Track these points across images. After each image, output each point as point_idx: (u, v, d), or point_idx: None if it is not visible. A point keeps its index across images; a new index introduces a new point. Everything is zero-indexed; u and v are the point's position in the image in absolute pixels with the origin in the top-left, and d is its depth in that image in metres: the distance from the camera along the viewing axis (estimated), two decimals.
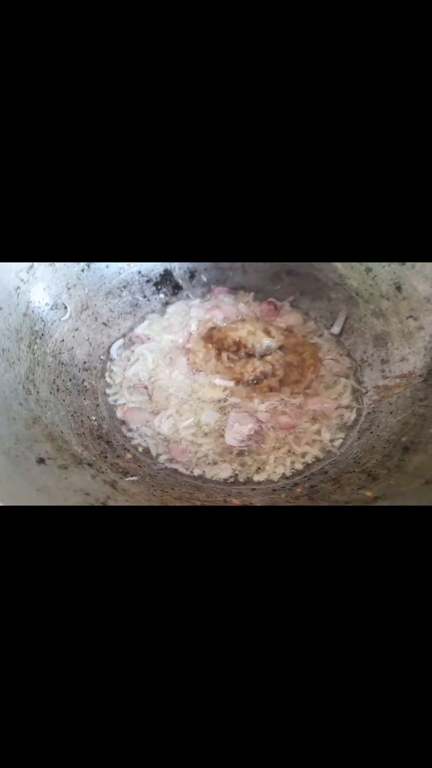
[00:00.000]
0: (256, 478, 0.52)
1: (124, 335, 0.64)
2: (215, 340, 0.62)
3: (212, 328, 0.65)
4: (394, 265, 0.63)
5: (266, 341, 0.62)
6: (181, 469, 0.51)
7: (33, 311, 0.55)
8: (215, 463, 0.52)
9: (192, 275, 0.71)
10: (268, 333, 0.62)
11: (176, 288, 0.70)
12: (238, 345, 0.61)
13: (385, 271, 0.64)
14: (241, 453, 0.53)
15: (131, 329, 0.65)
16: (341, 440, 0.54)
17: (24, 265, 0.55)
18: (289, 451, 0.53)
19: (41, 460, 0.43)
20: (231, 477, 0.51)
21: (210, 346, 0.62)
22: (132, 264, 0.66)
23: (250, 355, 0.61)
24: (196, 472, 0.51)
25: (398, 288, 0.62)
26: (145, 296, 0.67)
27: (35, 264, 0.56)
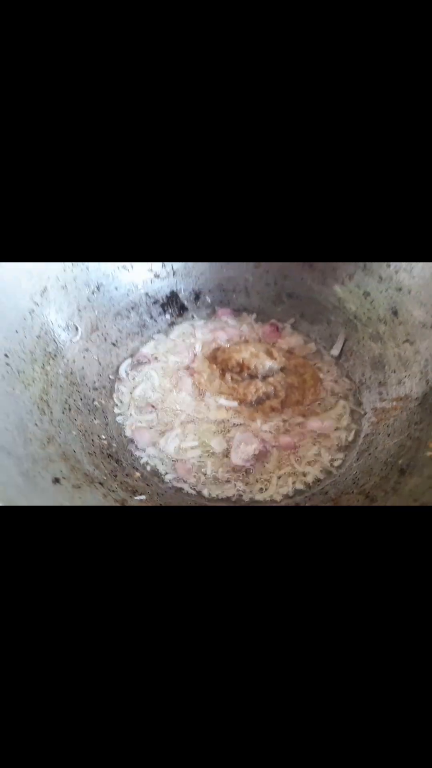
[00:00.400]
0: (260, 497, 0.54)
1: (131, 355, 0.66)
2: (219, 360, 0.65)
3: (216, 349, 0.67)
4: (391, 291, 0.66)
5: (268, 363, 0.64)
6: (187, 489, 0.54)
7: (46, 333, 0.57)
8: (220, 483, 0.54)
9: (197, 297, 0.73)
10: (270, 354, 0.65)
11: (182, 309, 0.72)
12: (242, 366, 0.64)
13: (382, 296, 0.66)
14: (245, 472, 0.55)
15: (138, 349, 0.67)
16: (341, 461, 0.57)
17: (38, 289, 0.57)
18: (292, 470, 0.55)
19: (56, 480, 0.45)
20: (235, 496, 0.54)
21: (215, 366, 0.65)
22: (140, 286, 0.69)
23: (252, 377, 0.63)
24: (203, 491, 0.53)
25: (395, 313, 0.65)
26: (152, 317, 0.70)
27: (48, 287, 0.59)
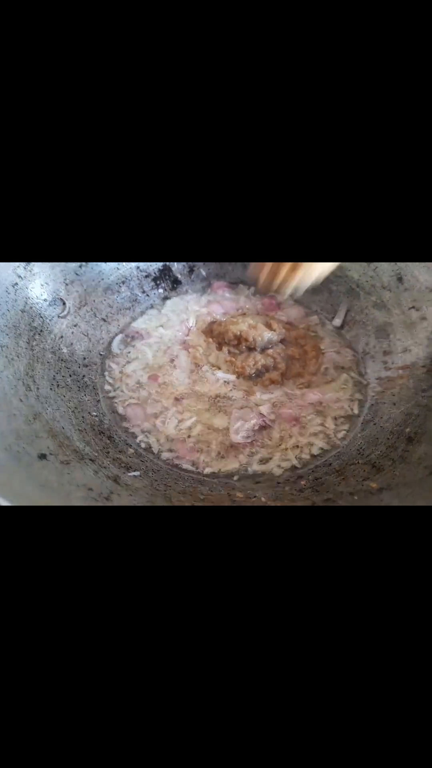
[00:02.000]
0: (261, 470, 0.51)
1: (122, 330, 0.63)
2: (216, 334, 0.62)
3: (212, 323, 0.64)
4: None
5: (267, 334, 0.61)
6: (188, 467, 0.51)
7: (31, 307, 0.55)
8: (221, 459, 0.51)
9: (191, 270, 0.70)
10: (269, 326, 0.62)
11: (175, 283, 0.69)
12: (239, 339, 0.61)
13: (386, 262, 0.63)
14: (246, 446, 0.52)
15: (129, 325, 0.64)
16: (345, 432, 0.54)
17: (21, 261, 0.54)
18: (295, 443, 0.52)
19: (43, 456, 0.43)
20: (236, 470, 0.51)
21: (210, 340, 0.62)
22: (130, 261, 0.66)
23: (251, 349, 0.61)
24: (204, 469, 0.51)
25: (399, 279, 0.62)
26: (143, 291, 0.67)
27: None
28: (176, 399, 0.56)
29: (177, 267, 0.69)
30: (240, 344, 0.61)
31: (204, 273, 0.71)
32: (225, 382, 0.58)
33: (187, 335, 0.63)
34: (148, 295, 0.67)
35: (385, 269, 0.63)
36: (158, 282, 0.68)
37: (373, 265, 0.64)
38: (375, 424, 0.52)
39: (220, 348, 0.61)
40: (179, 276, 0.70)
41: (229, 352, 0.60)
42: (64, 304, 0.58)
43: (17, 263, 0.54)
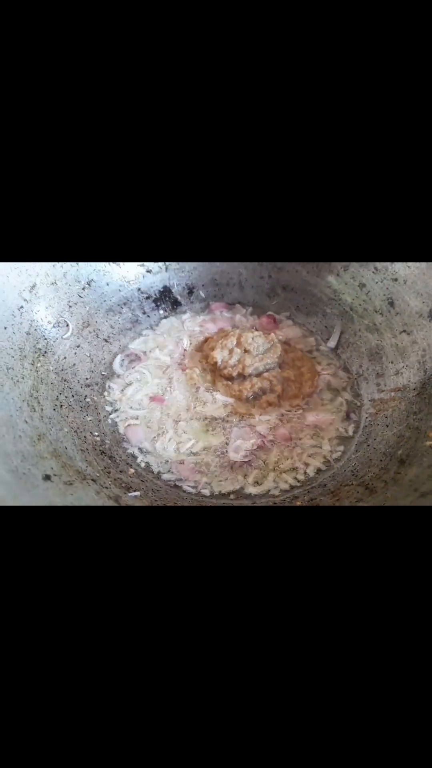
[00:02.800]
0: (258, 491, 0.53)
1: (122, 351, 0.65)
2: (205, 353, 0.63)
3: (204, 341, 0.65)
4: (387, 281, 0.65)
5: (258, 364, 0.60)
6: (186, 486, 0.52)
7: (36, 329, 0.56)
8: (220, 480, 0.53)
9: (190, 291, 0.72)
10: (266, 337, 0.61)
11: (175, 304, 0.71)
12: (227, 370, 0.60)
13: (378, 286, 0.66)
14: (244, 466, 0.54)
15: (126, 346, 0.65)
16: (339, 453, 0.56)
17: (27, 285, 0.56)
18: (291, 464, 0.54)
19: (47, 477, 0.44)
20: (234, 491, 0.52)
21: (206, 362, 0.63)
22: (132, 282, 0.68)
23: (244, 377, 0.61)
24: (203, 490, 0.52)
25: (391, 303, 0.64)
26: (144, 312, 0.69)
27: (37, 283, 0.57)
28: (175, 420, 0.57)
29: (176, 288, 0.72)
30: (230, 376, 0.60)
31: (203, 294, 0.73)
32: (224, 404, 0.59)
33: (183, 357, 0.65)
34: (149, 316, 0.69)
35: (377, 293, 0.66)
36: (158, 303, 0.70)
37: (366, 288, 0.67)
38: (368, 445, 0.54)
39: (213, 381, 0.61)
40: (179, 297, 0.72)
41: (226, 377, 0.61)
42: (67, 325, 0.60)
43: (23, 285, 0.56)
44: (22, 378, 0.52)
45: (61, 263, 0.60)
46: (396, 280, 0.64)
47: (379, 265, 0.66)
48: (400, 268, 0.64)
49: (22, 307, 0.55)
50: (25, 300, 0.56)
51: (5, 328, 0.52)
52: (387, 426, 0.55)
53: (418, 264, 0.62)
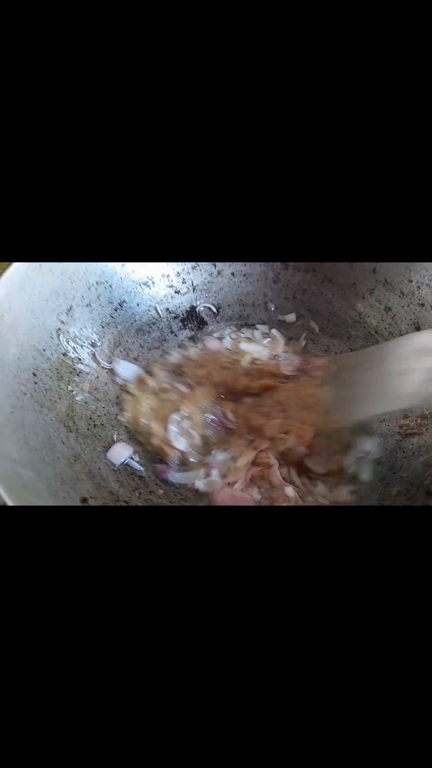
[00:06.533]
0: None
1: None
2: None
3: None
4: (414, 306, 0.65)
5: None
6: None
7: (72, 350, 0.58)
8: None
9: (217, 311, 0.74)
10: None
11: (201, 323, 0.73)
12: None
13: (404, 311, 0.66)
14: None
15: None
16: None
17: (64, 308, 0.58)
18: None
19: (84, 500, 0.46)
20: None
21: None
22: (161, 302, 0.70)
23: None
24: None
25: (417, 328, 0.65)
26: (172, 332, 0.71)
27: (74, 306, 0.60)
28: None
29: (203, 309, 0.73)
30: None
31: (229, 314, 0.74)
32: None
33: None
34: (176, 335, 0.71)
35: (403, 317, 0.66)
36: (185, 323, 0.72)
37: (392, 312, 0.67)
38: (395, 473, 0.55)
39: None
40: (205, 317, 0.73)
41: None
42: (99, 345, 0.62)
43: (60, 308, 0.58)
44: (59, 398, 0.54)
45: (96, 284, 0.62)
46: (423, 305, 0.65)
47: (405, 289, 0.66)
48: (426, 293, 0.64)
49: (59, 329, 0.57)
50: (62, 322, 0.58)
51: (44, 350, 0.55)
52: (413, 454, 0.55)
53: None
